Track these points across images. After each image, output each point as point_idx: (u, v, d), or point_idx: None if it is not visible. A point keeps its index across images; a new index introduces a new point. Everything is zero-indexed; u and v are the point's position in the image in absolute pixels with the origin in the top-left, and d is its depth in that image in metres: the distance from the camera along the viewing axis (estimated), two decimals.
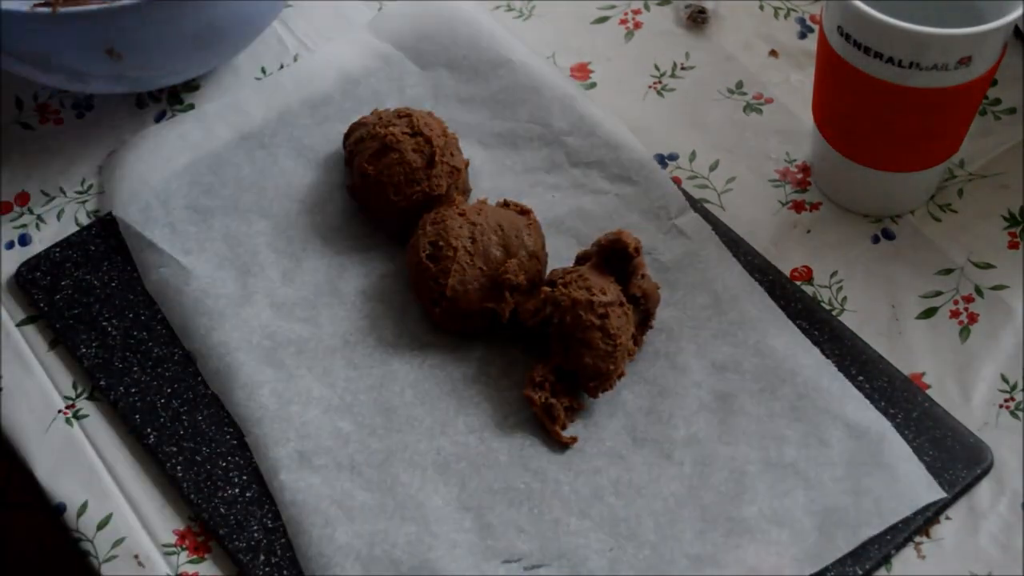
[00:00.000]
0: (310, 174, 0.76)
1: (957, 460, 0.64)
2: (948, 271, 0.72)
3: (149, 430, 0.67)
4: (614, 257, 0.67)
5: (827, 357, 0.67)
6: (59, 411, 0.69)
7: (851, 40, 0.65)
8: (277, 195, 0.75)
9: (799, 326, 0.68)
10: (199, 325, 0.70)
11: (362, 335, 0.69)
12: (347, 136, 0.76)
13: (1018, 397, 0.67)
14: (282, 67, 0.83)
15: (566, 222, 0.73)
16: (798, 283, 0.71)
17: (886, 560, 0.62)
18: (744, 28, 0.83)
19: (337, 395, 0.67)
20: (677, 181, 0.75)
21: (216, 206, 0.75)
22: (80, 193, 0.78)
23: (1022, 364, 0.68)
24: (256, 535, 0.63)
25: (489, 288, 0.67)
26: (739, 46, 0.82)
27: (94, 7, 0.69)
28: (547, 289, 0.66)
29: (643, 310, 0.67)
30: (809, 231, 0.74)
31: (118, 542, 0.64)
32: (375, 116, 0.75)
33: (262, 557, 0.62)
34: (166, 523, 0.65)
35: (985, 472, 0.64)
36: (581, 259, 0.69)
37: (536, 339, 0.67)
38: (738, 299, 0.69)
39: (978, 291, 0.71)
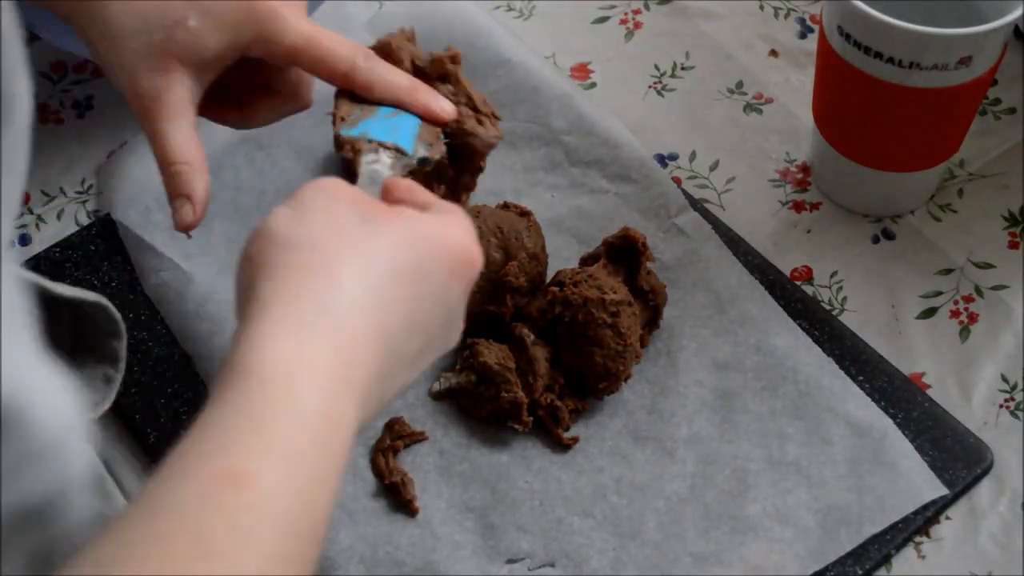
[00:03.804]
0: (310, 175, 0.76)
1: (957, 460, 0.64)
2: (948, 271, 0.72)
3: (149, 430, 0.67)
4: (622, 254, 0.67)
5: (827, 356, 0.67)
6: None
7: (851, 40, 0.65)
8: (277, 197, 0.75)
9: (799, 326, 0.68)
10: (201, 330, 0.70)
11: None
12: None
13: (1018, 397, 0.67)
14: None
15: (566, 222, 0.73)
16: (798, 283, 0.71)
17: (886, 560, 0.62)
18: (744, 28, 0.83)
19: None
20: (677, 181, 0.75)
21: (216, 209, 0.75)
22: (80, 193, 0.78)
23: (1022, 364, 0.68)
24: None
25: (490, 291, 0.67)
26: (739, 46, 0.82)
27: None
28: (555, 289, 0.66)
29: (652, 306, 0.67)
30: (809, 231, 0.74)
31: None
32: None
33: None
34: None
35: (985, 472, 0.64)
36: (585, 262, 0.69)
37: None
38: (739, 298, 0.69)
39: (978, 291, 0.71)
